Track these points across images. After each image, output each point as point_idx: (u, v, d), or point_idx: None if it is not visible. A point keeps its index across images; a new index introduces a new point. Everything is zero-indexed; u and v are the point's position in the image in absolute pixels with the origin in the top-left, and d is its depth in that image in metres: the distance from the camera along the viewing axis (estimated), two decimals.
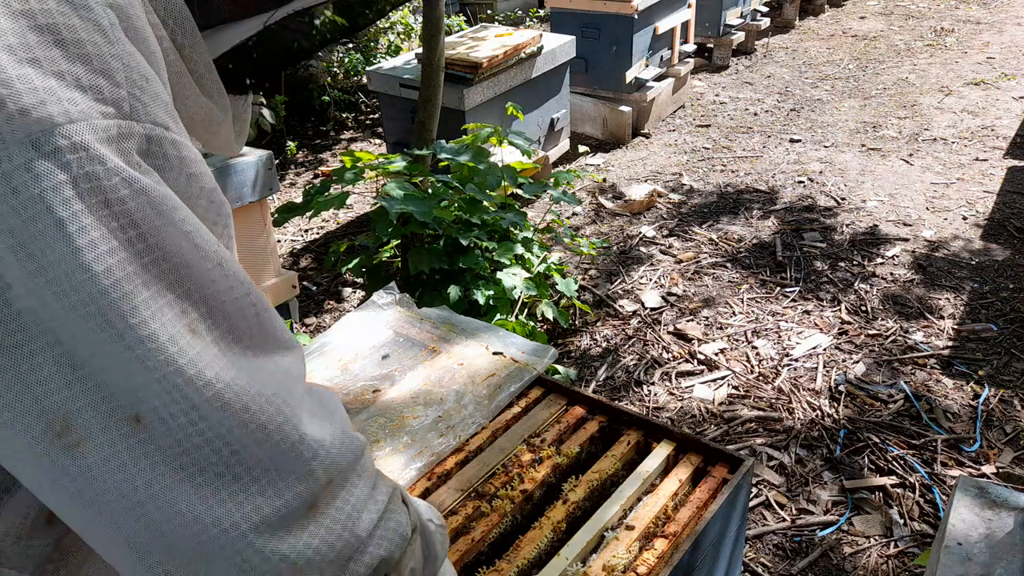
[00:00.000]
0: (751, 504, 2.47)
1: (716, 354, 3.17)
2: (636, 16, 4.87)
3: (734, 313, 3.44)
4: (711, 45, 6.63)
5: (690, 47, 5.78)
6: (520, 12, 8.38)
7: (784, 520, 2.43)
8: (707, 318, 3.41)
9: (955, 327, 3.29)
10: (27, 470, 0.54)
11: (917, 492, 2.49)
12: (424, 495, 1.42)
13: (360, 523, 0.62)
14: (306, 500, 0.58)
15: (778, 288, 3.60)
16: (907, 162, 4.85)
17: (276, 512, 0.56)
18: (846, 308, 3.44)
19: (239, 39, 0.75)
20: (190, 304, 0.54)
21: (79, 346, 0.51)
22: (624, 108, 5.22)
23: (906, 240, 3.97)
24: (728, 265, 3.81)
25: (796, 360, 3.12)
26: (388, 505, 0.67)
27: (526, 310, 3.12)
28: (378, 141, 5.54)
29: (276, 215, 2.93)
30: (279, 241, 4.27)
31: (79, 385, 0.52)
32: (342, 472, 0.61)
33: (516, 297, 2.94)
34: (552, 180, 3.28)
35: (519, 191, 3.18)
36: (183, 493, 0.53)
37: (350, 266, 3.07)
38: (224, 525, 0.54)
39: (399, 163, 3.03)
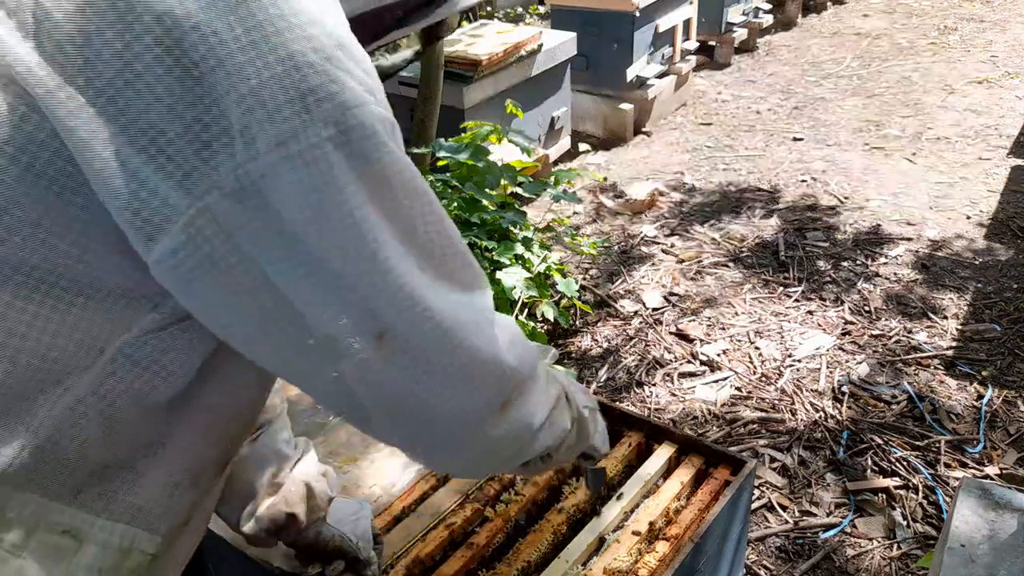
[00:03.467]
0: (753, 506, 2.46)
1: (718, 355, 3.15)
2: (637, 13, 4.84)
3: (736, 313, 3.42)
4: (713, 43, 6.60)
5: (692, 45, 5.75)
6: (520, 9, 8.36)
7: (787, 522, 2.42)
8: (709, 318, 3.39)
9: (959, 327, 3.27)
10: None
11: (920, 494, 2.48)
12: (423, 498, 1.41)
13: (535, 419, 0.87)
14: (500, 401, 0.80)
15: (781, 288, 3.58)
16: (910, 161, 4.83)
17: (480, 409, 0.78)
18: (849, 308, 3.42)
19: None
20: (424, 256, 0.70)
21: (359, 284, 0.66)
22: (625, 106, 5.20)
23: (909, 239, 3.95)
24: (730, 265, 3.79)
25: (799, 361, 3.10)
26: (555, 405, 0.92)
27: (526, 310, 3.10)
28: None
29: None
30: None
31: (354, 307, 0.67)
32: (524, 382, 0.83)
33: (516, 297, 2.93)
34: (552, 179, 3.26)
35: (519, 190, 3.16)
36: (427, 390, 0.73)
37: None
38: (454, 412, 0.76)
39: None
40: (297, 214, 0.62)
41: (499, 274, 2.87)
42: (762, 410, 2.86)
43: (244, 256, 0.64)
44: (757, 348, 3.18)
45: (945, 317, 3.34)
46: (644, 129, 5.41)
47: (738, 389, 2.97)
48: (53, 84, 0.61)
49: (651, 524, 1.32)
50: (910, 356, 3.10)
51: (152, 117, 0.60)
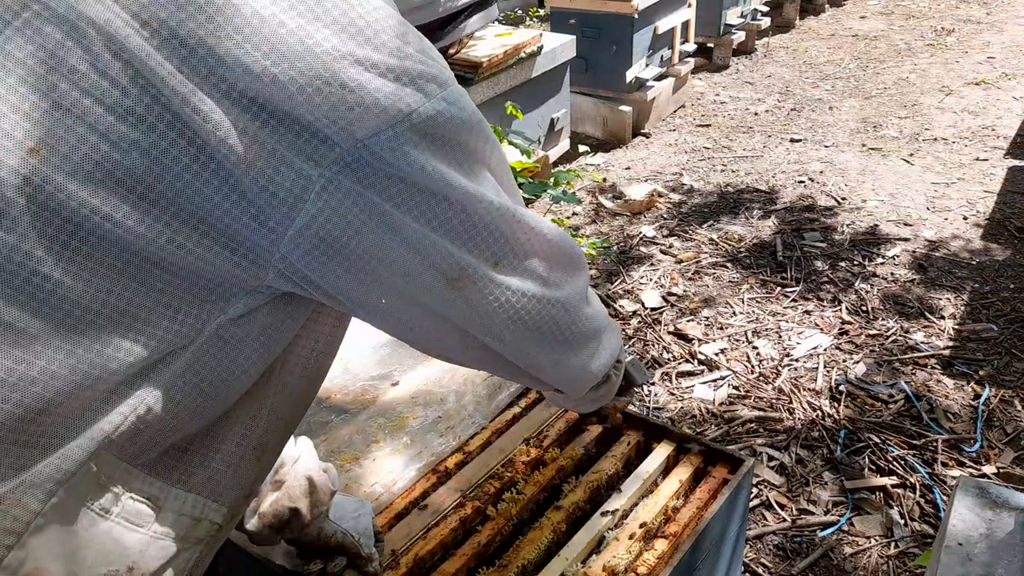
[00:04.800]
0: (751, 504, 2.47)
1: (716, 354, 3.16)
2: (636, 16, 4.86)
3: (734, 313, 3.44)
4: (711, 45, 6.62)
5: (690, 47, 5.77)
6: (520, 11, 8.37)
7: (784, 520, 2.43)
8: (707, 318, 3.41)
9: (956, 327, 3.28)
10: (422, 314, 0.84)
11: (917, 492, 2.49)
12: (424, 496, 1.42)
13: (603, 311, 1.07)
14: (586, 288, 1.00)
15: (778, 288, 3.60)
16: (908, 162, 4.84)
17: (581, 292, 0.97)
18: (846, 308, 3.43)
19: None
20: (511, 185, 0.88)
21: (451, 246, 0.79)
22: (624, 108, 5.22)
23: (907, 240, 3.96)
24: (728, 265, 3.81)
25: (796, 360, 3.11)
26: (621, 348, 1.17)
27: None
28: None
29: None
30: None
31: (463, 251, 0.80)
32: (604, 328, 1.06)
33: None
34: (552, 180, 3.27)
35: (519, 191, 3.17)
36: (537, 289, 0.88)
37: None
38: (566, 298, 0.94)
39: None
40: (428, 171, 0.74)
41: None
42: (760, 409, 2.87)
43: (375, 214, 0.73)
44: (755, 348, 3.20)
45: (942, 317, 3.35)
46: (643, 130, 5.42)
47: (736, 388, 2.98)
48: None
49: (650, 522, 1.33)
50: (907, 356, 3.11)
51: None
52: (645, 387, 3.01)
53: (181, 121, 0.68)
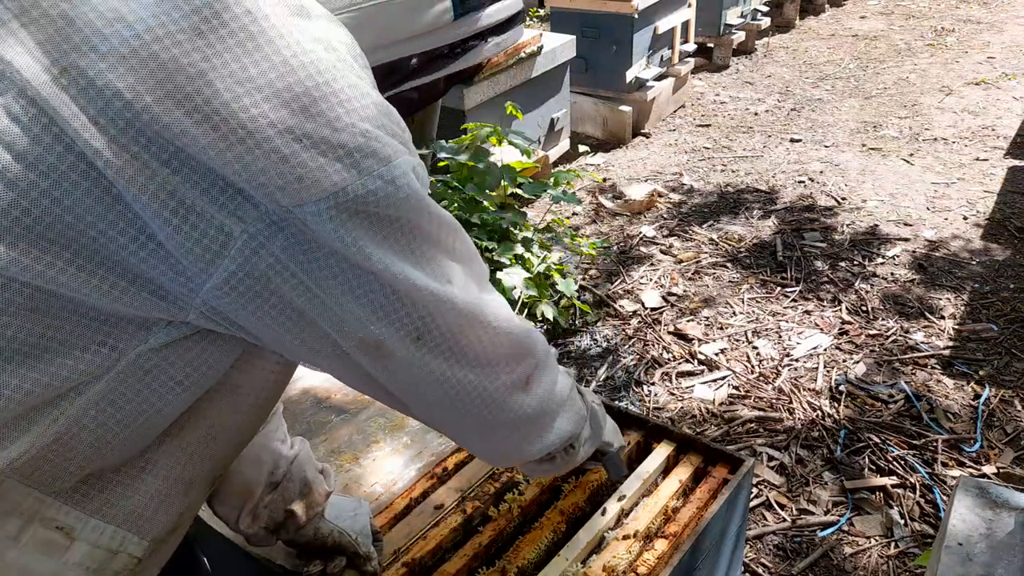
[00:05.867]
0: (751, 504, 2.47)
1: (716, 354, 3.16)
2: (636, 15, 4.86)
3: (734, 313, 3.44)
4: (711, 45, 6.62)
5: (690, 47, 5.77)
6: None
7: (784, 520, 2.43)
8: (707, 318, 3.41)
9: (956, 327, 3.28)
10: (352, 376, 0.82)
11: (918, 492, 2.49)
12: (424, 496, 1.42)
13: (555, 396, 0.96)
14: (524, 376, 0.90)
15: (778, 288, 3.60)
16: (907, 162, 4.84)
17: (508, 385, 0.87)
18: (846, 308, 3.43)
19: None
20: (457, 262, 0.81)
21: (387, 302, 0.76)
22: (624, 108, 5.22)
23: (907, 240, 3.96)
24: (728, 265, 3.81)
25: (796, 360, 3.11)
26: (570, 388, 1.01)
27: (526, 310, 3.11)
28: None
29: None
30: None
31: (384, 321, 0.76)
32: (541, 361, 0.93)
33: (516, 297, 2.94)
34: (552, 180, 3.27)
35: (519, 191, 3.17)
36: (460, 375, 0.83)
37: None
38: (485, 391, 0.86)
39: None
40: (355, 247, 0.72)
41: (499, 274, 2.88)
42: (760, 409, 2.87)
43: (295, 277, 0.71)
44: (755, 348, 3.20)
45: (942, 317, 3.35)
46: (643, 130, 5.42)
47: (736, 388, 2.98)
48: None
49: (650, 522, 1.33)
50: (907, 356, 3.11)
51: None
52: (647, 388, 3.01)
53: (95, 171, 0.66)
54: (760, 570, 2.28)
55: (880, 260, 3.79)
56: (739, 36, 6.68)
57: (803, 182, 4.64)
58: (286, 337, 0.76)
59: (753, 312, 3.44)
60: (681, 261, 3.86)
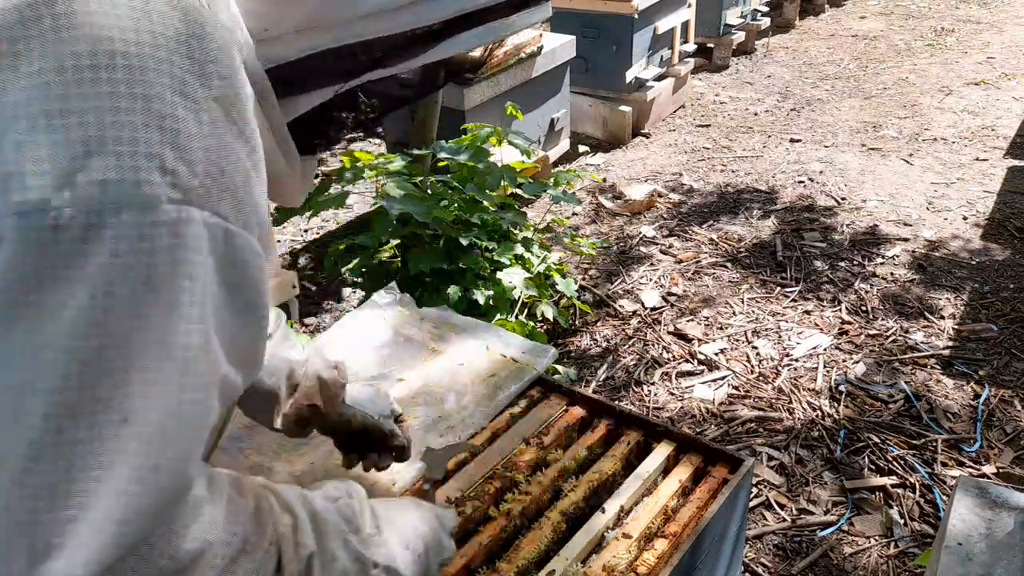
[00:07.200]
0: (751, 504, 2.47)
1: (716, 354, 3.16)
2: (636, 16, 4.86)
3: (734, 313, 3.44)
4: (711, 45, 6.62)
5: (690, 47, 5.77)
6: None
7: (784, 520, 2.43)
8: (707, 318, 3.41)
9: (955, 327, 3.28)
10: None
11: (917, 492, 2.49)
12: (424, 495, 1.42)
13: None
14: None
15: (778, 288, 3.60)
16: (907, 162, 4.85)
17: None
18: (846, 308, 3.43)
19: (309, 106, 0.84)
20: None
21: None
22: (624, 108, 5.22)
23: (906, 240, 3.97)
24: (728, 265, 3.81)
25: (796, 360, 3.12)
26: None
27: (526, 310, 3.11)
28: (378, 141, 5.54)
29: (275, 214, 2.93)
30: (279, 241, 4.27)
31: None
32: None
33: (516, 297, 2.94)
34: (552, 180, 3.27)
35: (519, 191, 3.17)
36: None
37: (350, 266, 3.06)
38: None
39: (398, 163, 3.02)
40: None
41: (499, 274, 2.88)
42: (760, 409, 2.87)
43: None
44: (755, 347, 3.20)
45: (942, 317, 3.35)
46: (643, 131, 5.42)
47: (736, 388, 2.98)
48: None
49: (650, 522, 1.33)
50: (907, 356, 3.12)
51: None
52: (647, 388, 3.01)
53: None
54: (760, 570, 2.29)
55: (880, 260, 3.80)
56: (739, 36, 6.68)
57: (803, 182, 4.64)
58: None
59: (753, 312, 3.44)
60: (681, 261, 3.86)
